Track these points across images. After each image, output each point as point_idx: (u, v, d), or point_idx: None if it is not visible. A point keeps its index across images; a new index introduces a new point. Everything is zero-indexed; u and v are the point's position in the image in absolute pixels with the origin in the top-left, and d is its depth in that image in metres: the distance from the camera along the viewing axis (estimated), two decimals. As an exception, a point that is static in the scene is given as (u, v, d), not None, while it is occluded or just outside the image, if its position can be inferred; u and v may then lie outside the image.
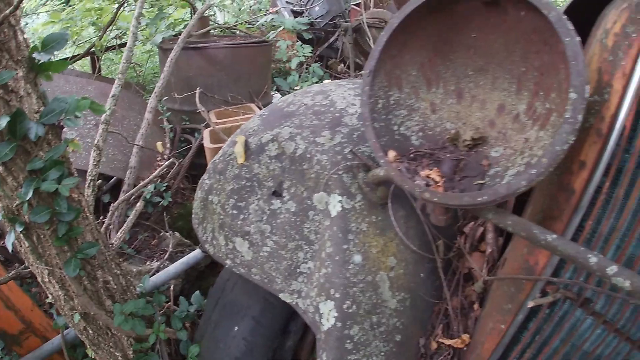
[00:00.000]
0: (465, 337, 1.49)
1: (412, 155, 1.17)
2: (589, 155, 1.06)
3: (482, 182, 1.06)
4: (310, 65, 4.64)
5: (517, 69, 1.15)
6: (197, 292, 2.29)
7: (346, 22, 5.94)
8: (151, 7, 4.91)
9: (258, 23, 4.52)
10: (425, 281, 1.49)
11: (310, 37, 5.12)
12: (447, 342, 1.51)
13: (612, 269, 0.91)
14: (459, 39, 1.20)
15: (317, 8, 6.06)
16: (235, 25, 4.75)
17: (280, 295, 1.53)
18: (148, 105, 3.16)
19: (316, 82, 4.45)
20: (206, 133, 3.00)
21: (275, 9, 5.48)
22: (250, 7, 6.57)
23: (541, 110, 1.08)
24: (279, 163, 1.55)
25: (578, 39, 0.94)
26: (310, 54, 4.35)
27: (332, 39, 5.90)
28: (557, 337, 1.21)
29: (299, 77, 4.46)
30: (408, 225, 1.45)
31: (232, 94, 3.85)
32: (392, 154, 1.12)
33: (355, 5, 6.37)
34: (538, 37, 1.06)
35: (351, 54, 5.45)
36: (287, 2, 6.12)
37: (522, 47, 1.12)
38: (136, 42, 4.71)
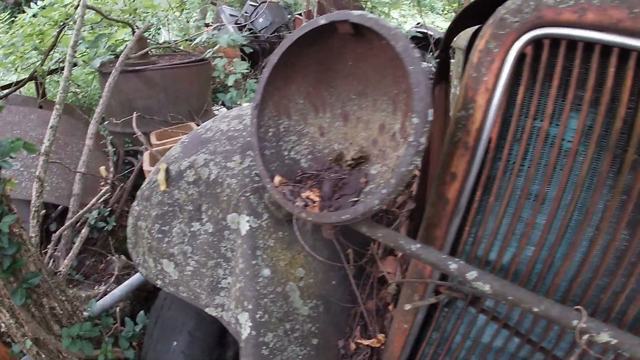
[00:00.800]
0: (381, 336, 1.60)
1: (298, 178, 1.25)
2: (458, 167, 1.14)
3: (356, 199, 1.14)
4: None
5: (391, 91, 1.22)
6: (142, 312, 2.36)
7: (290, 32, 6.04)
8: (92, 29, 4.91)
9: (196, 41, 4.57)
10: (337, 287, 1.60)
11: (251, 51, 5.18)
12: (365, 342, 1.61)
13: (472, 274, 0.99)
14: (338, 68, 1.29)
15: (260, 20, 6.15)
16: (176, 42, 4.78)
17: (207, 310, 1.62)
18: (88, 131, 3.18)
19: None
20: (146, 155, 3.05)
21: (214, 25, 5.52)
22: (194, 21, 6.60)
23: (409, 130, 1.16)
24: (196, 188, 1.64)
25: (422, 66, 1.03)
26: (247, 70, 4.41)
27: (276, 50, 5.99)
28: (456, 333, 1.29)
29: (244, 92, 4.52)
30: (316, 238, 1.55)
31: (172, 114, 3.88)
32: (277, 178, 1.22)
33: (299, 15, 6.47)
34: (401, 63, 1.12)
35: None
36: (231, 15, 6.19)
37: (391, 72, 1.19)
38: (77, 65, 4.73)
